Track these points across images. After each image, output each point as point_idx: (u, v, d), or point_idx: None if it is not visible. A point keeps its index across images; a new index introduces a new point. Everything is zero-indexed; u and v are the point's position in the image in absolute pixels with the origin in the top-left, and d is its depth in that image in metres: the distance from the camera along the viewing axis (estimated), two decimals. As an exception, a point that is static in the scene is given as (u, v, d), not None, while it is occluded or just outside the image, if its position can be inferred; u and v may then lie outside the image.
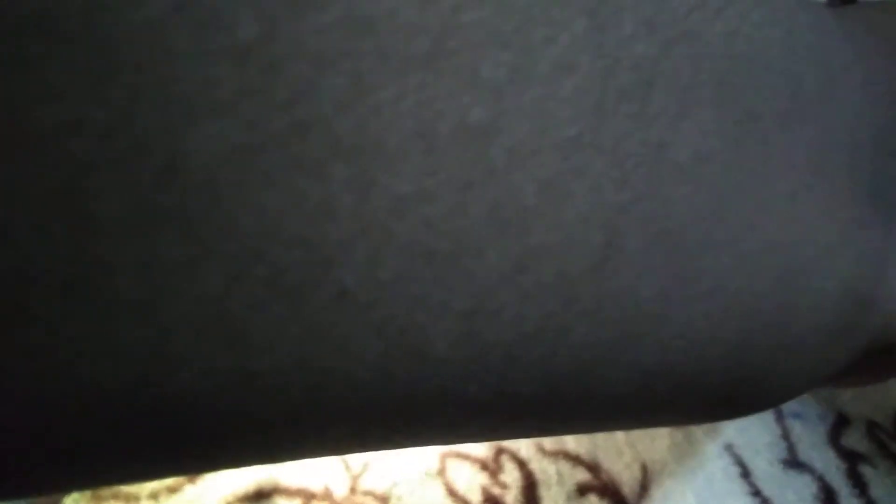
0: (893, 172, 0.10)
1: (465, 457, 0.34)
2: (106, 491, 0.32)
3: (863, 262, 0.09)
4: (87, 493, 0.32)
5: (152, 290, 0.07)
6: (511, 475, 0.34)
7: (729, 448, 0.35)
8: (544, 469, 0.34)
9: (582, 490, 0.33)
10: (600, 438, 0.36)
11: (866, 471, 0.35)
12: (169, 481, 0.32)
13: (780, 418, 0.37)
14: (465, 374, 0.08)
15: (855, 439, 0.37)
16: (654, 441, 0.36)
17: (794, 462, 0.35)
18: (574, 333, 0.08)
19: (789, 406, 0.39)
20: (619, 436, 0.36)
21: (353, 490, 0.33)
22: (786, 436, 0.36)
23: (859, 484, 0.34)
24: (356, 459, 0.34)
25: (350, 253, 0.07)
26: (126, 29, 0.06)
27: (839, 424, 0.37)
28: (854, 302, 0.09)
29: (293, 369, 0.07)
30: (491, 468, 0.34)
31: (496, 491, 0.33)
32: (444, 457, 0.34)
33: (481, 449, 0.35)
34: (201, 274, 0.07)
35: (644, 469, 0.34)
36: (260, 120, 0.07)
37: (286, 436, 0.08)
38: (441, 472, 0.33)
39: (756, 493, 0.33)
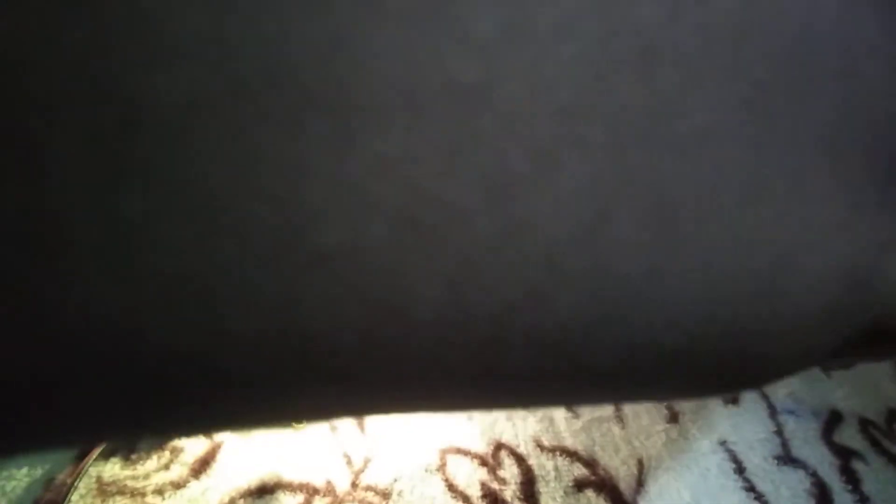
0: None
1: (465, 452, 0.35)
2: (112, 487, 0.33)
3: (862, 245, 0.09)
4: (94, 489, 0.33)
5: (114, 245, 0.06)
6: (510, 471, 0.34)
7: (723, 444, 0.36)
8: (542, 465, 0.35)
9: (579, 485, 0.34)
10: (597, 435, 0.36)
11: (859, 467, 0.35)
12: (174, 477, 0.33)
13: (773, 415, 0.38)
14: (450, 343, 0.08)
15: (848, 436, 0.37)
16: (650, 437, 0.37)
17: (787, 458, 0.35)
18: (559, 305, 0.08)
19: (783, 403, 0.39)
20: (616, 431, 0.37)
21: (354, 485, 0.33)
22: (779, 432, 0.37)
23: (852, 480, 0.35)
24: (358, 455, 0.34)
25: (328, 215, 0.07)
26: None
27: (832, 421, 0.38)
28: (849, 285, 0.09)
29: (270, 332, 0.07)
30: (490, 464, 0.35)
31: (495, 486, 0.34)
32: (444, 453, 0.35)
33: (481, 445, 0.35)
34: (164, 229, 0.06)
35: (640, 465, 0.35)
36: (227, 65, 0.06)
37: (269, 398, 0.08)
38: (441, 467, 0.34)
39: (750, 488, 0.34)
